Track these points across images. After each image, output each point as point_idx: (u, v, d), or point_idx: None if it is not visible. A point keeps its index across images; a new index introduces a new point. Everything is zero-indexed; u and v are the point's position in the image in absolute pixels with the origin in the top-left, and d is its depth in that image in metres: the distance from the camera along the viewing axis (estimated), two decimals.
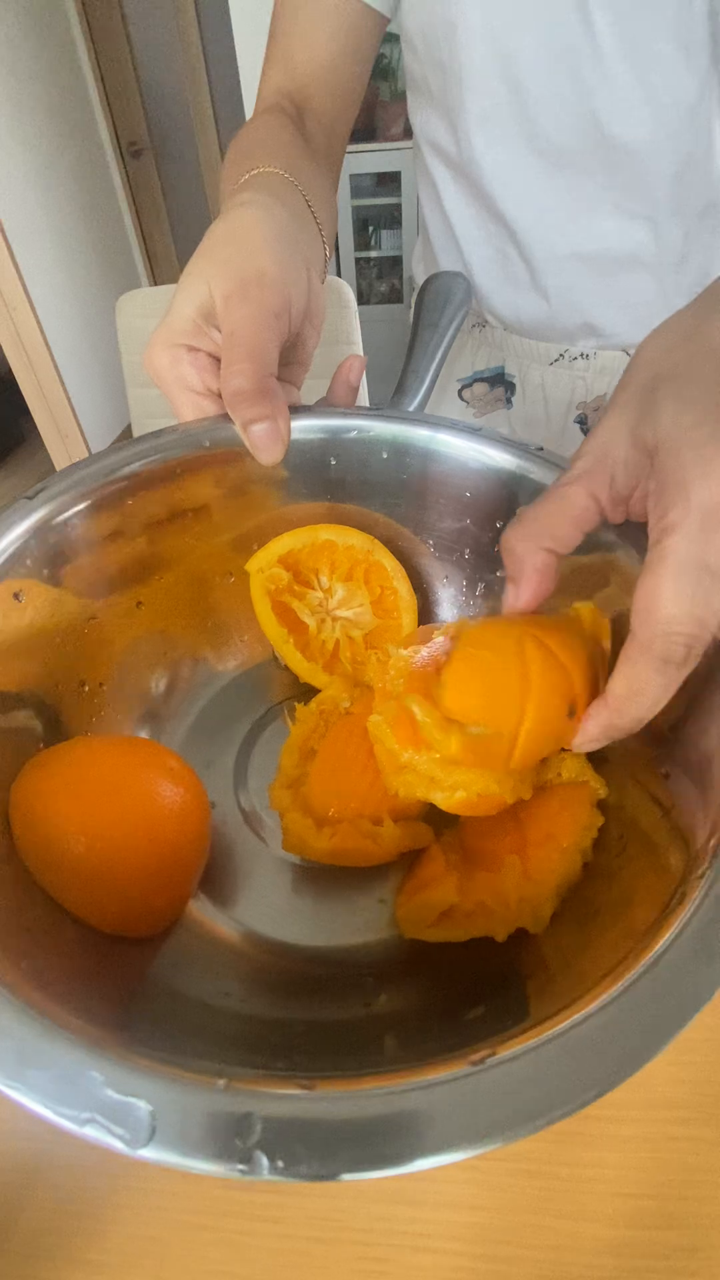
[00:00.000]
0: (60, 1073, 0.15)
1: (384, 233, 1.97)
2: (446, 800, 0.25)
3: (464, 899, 0.26)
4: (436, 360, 0.37)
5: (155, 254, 2.49)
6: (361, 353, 0.89)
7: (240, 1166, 0.13)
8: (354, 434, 0.33)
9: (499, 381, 0.57)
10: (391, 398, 0.35)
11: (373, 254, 2.01)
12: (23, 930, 0.22)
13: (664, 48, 0.37)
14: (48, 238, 1.92)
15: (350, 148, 0.49)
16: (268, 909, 0.29)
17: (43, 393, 2.01)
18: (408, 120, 0.52)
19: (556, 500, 0.23)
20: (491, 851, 0.27)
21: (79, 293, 2.06)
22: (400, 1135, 0.14)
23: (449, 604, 0.37)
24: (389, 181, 1.84)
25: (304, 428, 0.32)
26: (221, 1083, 0.15)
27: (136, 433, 0.95)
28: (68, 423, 2.08)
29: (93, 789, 0.25)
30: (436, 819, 0.28)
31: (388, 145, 1.76)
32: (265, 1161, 0.13)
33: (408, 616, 0.35)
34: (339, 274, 1.95)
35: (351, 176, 1.80)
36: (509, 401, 0.57)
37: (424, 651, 0.29)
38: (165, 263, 2.52)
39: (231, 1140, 0.14)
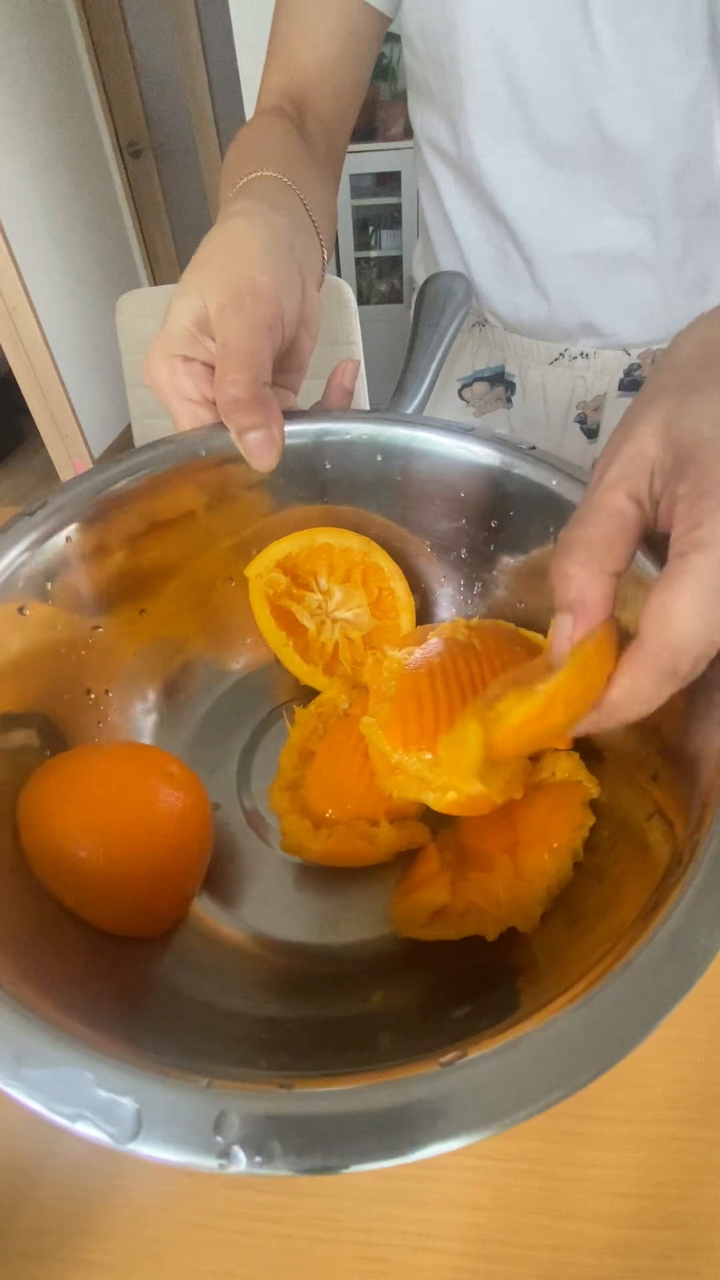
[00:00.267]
0: (54, 1072, 0.16)
1: (384, 233, 1.97)
2: (438, 801, 0.25)
3: (456, 899, 0.26)
4: (436, 360, 0.37)
5: (155, 254, 2.49)
6: (361, 352, 0.89)
7: (220, 1161, 0.14)
8: (348, 437, 0.33)
9: (499, 381, 0.57)
10: (391, 398, 0.36)
11: (373, 254, 2.00)
12: (30, 933, 0.22)
13: (664, 47, 0.37)
14: (48, 238, 1.92)
15: (350, 148, 0.49)
16: (270, 907, 0.30)
17: (43, 393, 2.01)
18: (408, 120, 0.52)
19: (605, 515, 0.21)
20: (485, 851, 0.27)
21: (79, 293, 2.06)
22: (374, 1134, 0.15)
23: (447, 603, 0.37)
24: (389, 181, 1.83)
25: (298, 432, 0.32)
26: (204, 1082, 0.16)
27: (136, 432, 0.95)
28: (68, 423, 2.08)
29: (96, 796, 0.26)
30: (433, 819, 0.28)
31: (388, 145, 1.76)
32: (243, 1157, 0.14)
33: (406, 617, 0.35)
34: (339, 274, 1.95)
35: (351, 176, 1.80)
36: (509, 401, 0.57)
37: (417, 653, 0.29)
38: (165, 263, 2.52)
39: (212, 1136, 0.15)
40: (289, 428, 0.30)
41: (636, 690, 0.20)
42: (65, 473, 2.20)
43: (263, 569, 0.34)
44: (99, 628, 0.31)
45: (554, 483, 0.30)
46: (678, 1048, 0.27)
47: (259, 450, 0.28)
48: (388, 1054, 0.21)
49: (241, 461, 0.29)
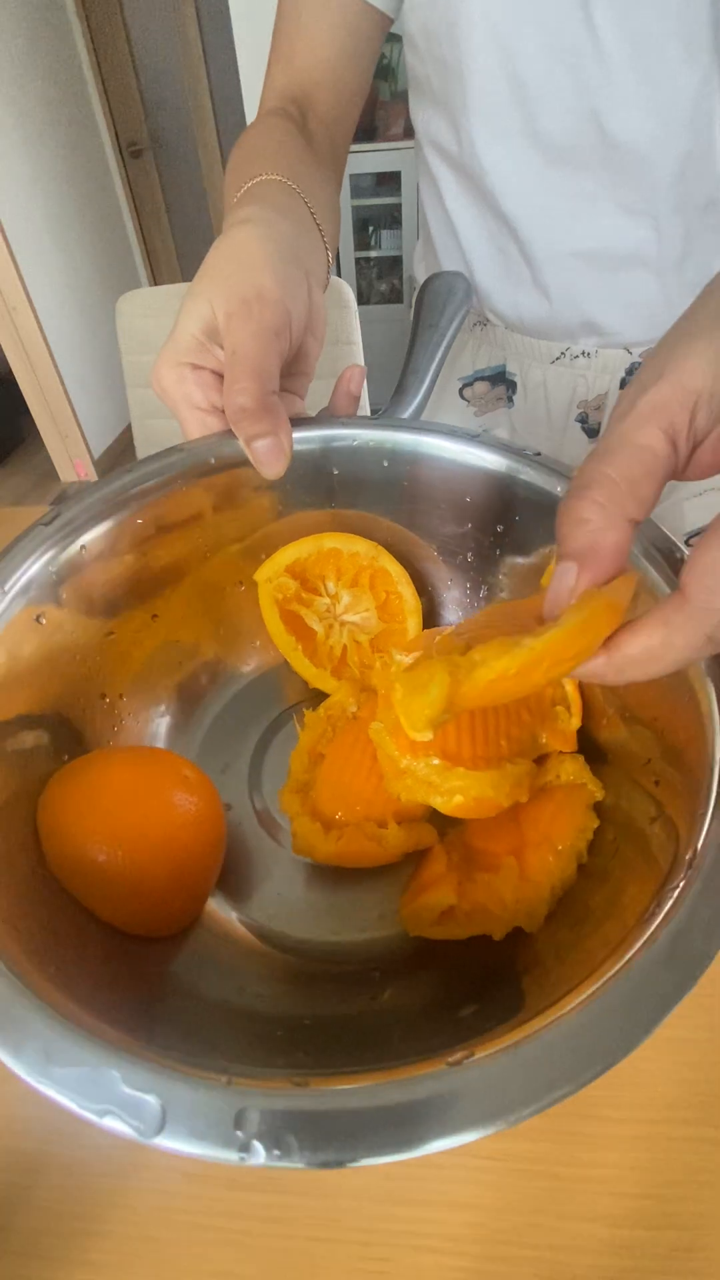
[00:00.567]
0: (82, 1071, 0.17)
1: (384, 233, 1.97)
2: (445, 804, 0.25)
3: (463, 899, 0.26)
4: (437, 360, 0.37)
5: (155, 254, 2.49)
6: (361, 352, 0.89)
7: (240, 1154, 0.15)
8: (355, 443, 0.33)
9: (500, 380, 0.57)
10: (392, 398, 0.36)
11: (373, 254, 2.01)
12: (54, 935, 0.23)
13: (666, 45, 0.37)
14: (48, 238, 1.92)
15: (350, 148, 0.49)
16: (282, 906, 0.30)
17: (43, 393, 2.01)
18: (408, 120, 0.52)
19: (633, 451, 0.18)
20: (492, 852, 0.27)
21: (79, 293, 2.07)
22: (384, 1129, 0.15)
23: (454, 607, 0.38)
24: (389, 181, 1.83)
25: (306, 439, 0.33)
26: (224, 1079, 0.17)
27: (136, 432, 0.95)
28: (68, 423, 2.08)
29: (113, 800, 0.26)
30: (440, 820, 0.28)
31: (388, 145, 1.76)
32: (262, 1150, 0.15)
33: (413, 620, 0.35)
34: (339, 274, 1.95)
35: (351, 176, 1.80)
36: (510, 400, 0.57)
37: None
38: (165, 263, 2.52)
39: (232, 1131, 0.15)
40: (297, 434, 0.30)
41: (667, 649, 0.18)
42: (65, 473, 2.20)
43: (272, 574, 0.35)
44: (112, 633, 0.32)
45: (559, 489, 0.30)
46: (678, 1048, 0.28)
47: (267, 457, 0.28)
48: (399, 1051, 0.22)
49: (250, 468, 0.29)
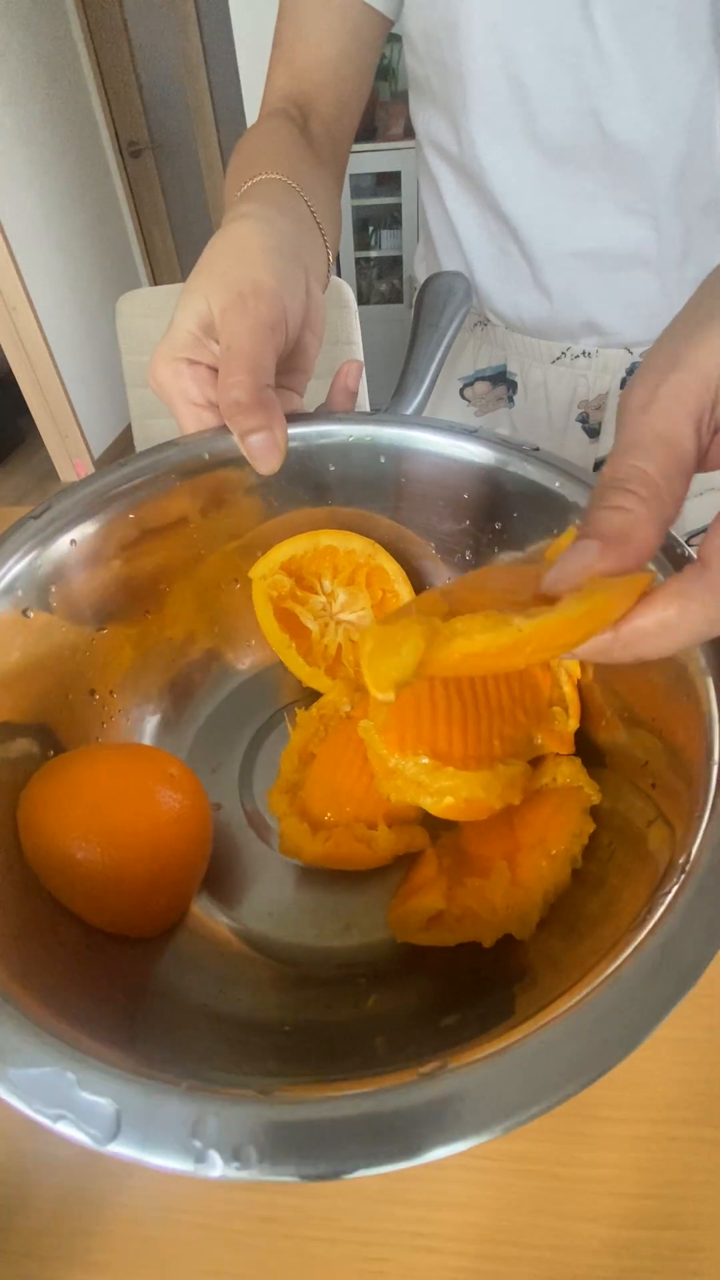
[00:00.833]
0: (38, 1073, 0.16)
1: (384, 233, 1.97)
2: (435, 805, 0.25)
3: (452, 904, 0.26)
4: (436, 360, 0.37)
5: (155, 254, 2.49)
6: (361, 352, 0.89)
7: (196, 1164, 0.15)
8: (351, 439, 0.33)
9: (500, 380, 0.57)
10: (391, 398, 0.35)
11: (373, 254, 2.01)
12: (26, 932, 0.22)
13: (666, 46, 0.37)
14: (48, 238, 1.92)
15: (351, 149, 0.49)
16: (269, 909, 0.30)
17: (43, 393, 2.01)
18: (408, 120, 0.52)
19: (666, 448, 0.17)
20: (484, 856, 0.27)
21: (79, 293, 2.06)
22: (353, 1141, 0.15)
23: None
24: (389, 181, 1.83)
25: (302, 434, 0.32)
26: (183, 1085, 0.16)
27: (136, 432, 0.95)
28: (68, 423, 2.08)
29: (96, 796, 0.26)
30: (435, 823, 0.28)
31: (388, 145, 1.76)
32: (219, 1161, 0.14)
33: None
34: (339, 274, 1.95)
35: (351, 176, 1.80)
36: (511, 400, 0.57)
37: None
38: (165, 263, 2.52)
39: (189, 1140, 0.15)
40: (292, 430, 0.30)
41: (683, 619, 0.17)
42: (65, 473, 2.20)
43: (267, 571, 0.34)
44: (103, 629, 0.31)
45: (557, 484, 0.30)
46: (677, 1048, 0.28)
47: (261, 452, 0.28)
48: (382, 1059, 0.21)
49: (245, 464, 0.29)
